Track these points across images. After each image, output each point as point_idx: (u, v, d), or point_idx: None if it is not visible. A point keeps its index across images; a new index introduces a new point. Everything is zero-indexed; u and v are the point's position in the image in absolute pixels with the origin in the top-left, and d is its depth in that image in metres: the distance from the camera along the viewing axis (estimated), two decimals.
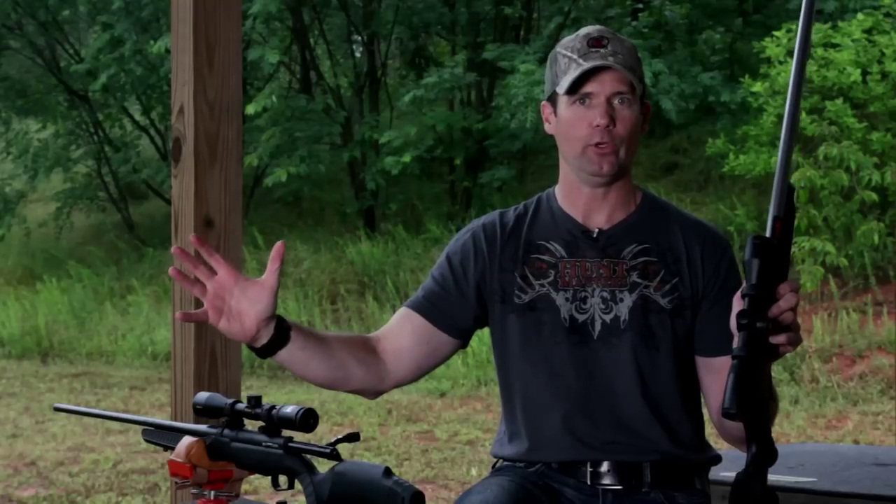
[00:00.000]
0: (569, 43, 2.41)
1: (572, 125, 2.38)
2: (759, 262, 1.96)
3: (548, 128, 2.47)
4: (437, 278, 2.48)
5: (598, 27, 2.43)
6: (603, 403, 2.37)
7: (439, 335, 2.45)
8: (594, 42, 2.37)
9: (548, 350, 2.39)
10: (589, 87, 2.36)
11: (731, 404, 1.91)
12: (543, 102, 2.47)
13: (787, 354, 8.46)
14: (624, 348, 2.37)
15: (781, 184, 2.00)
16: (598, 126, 2.34)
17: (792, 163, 2.03)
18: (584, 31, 2.42)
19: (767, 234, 1.99)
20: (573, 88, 2.36)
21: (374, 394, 2.46)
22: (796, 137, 2.05)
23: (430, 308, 2.45)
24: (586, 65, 2.35)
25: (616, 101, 2.36)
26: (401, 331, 2.45)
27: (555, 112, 2.43)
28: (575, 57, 2.37)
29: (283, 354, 2.28)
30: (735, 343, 1.95)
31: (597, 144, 2.35)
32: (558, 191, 2.50)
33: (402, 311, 2.48)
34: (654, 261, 2.41)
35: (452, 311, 2.45)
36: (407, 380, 2.47)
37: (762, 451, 1.99)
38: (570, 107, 2.38)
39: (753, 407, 1.94)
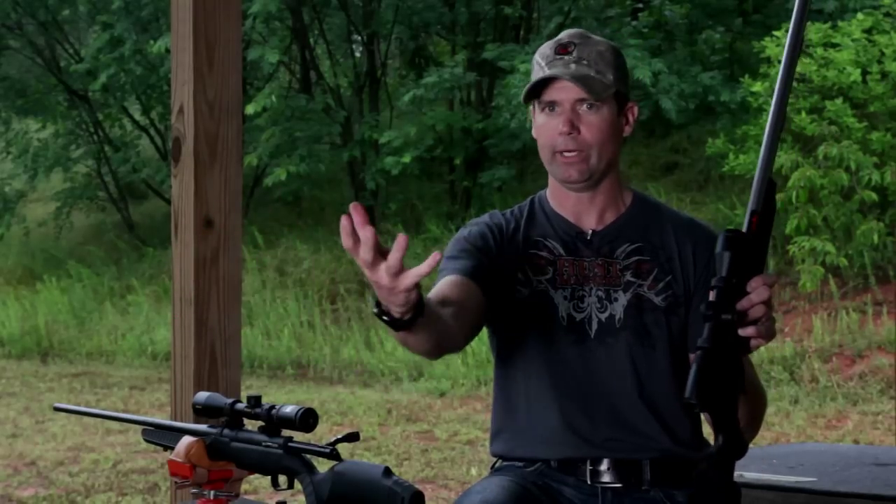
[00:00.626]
0: (543, 49, 2.44)
1: (541, 132, 2.42)
2: (729, 255, 1.97)
3: (533, 132, 2.49)
4: (469, 248, 2.39)
5: (572, 32, 2.44)
6: (601, 401, 2.38)
7: (481, 296, 2.35)
8: (561, 49, 2.40)
9: (546, 348, 2.40)
10: (552, 95, 2.39)
11: (691, 394, 1.91)
12: (530, 107, 2.49)
13: (787, 354, 8.42)
14: (620, 347, 2.38)
15: (761, 179, 2.01)
16: (560, 133, 2.37)
17: (775, 159, 2.05)
18: (559, 36, 2.44)
19: (744, 229, 2.00)
20: (534, 96, 2.40)
21: (440, 354, 2.33)
22: (780, 133, 2.06)
23: (474, 271, 2.35)
24: (546, 73, 2.38)
25: (582, 108, 2.38)
26: (458, 290, 2.31)
27: (534, 117, 2.46)
28: (543, 64, 2.41)
29: (419, 324, 2.15)
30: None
31: (563, 152, 2.38)
32: (549, 194, 2.51)
33: (450, 277, 2.34)
34: (646, 259, 2.42)
35: (491, 277, 2.37)
36: (467, 343, 2.37)
37: (729, 444, 1.99)
38: (541, 114, 2.42)
39: (719, 399, 1.94)
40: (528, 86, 2.40)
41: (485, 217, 2.52)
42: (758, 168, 2.03)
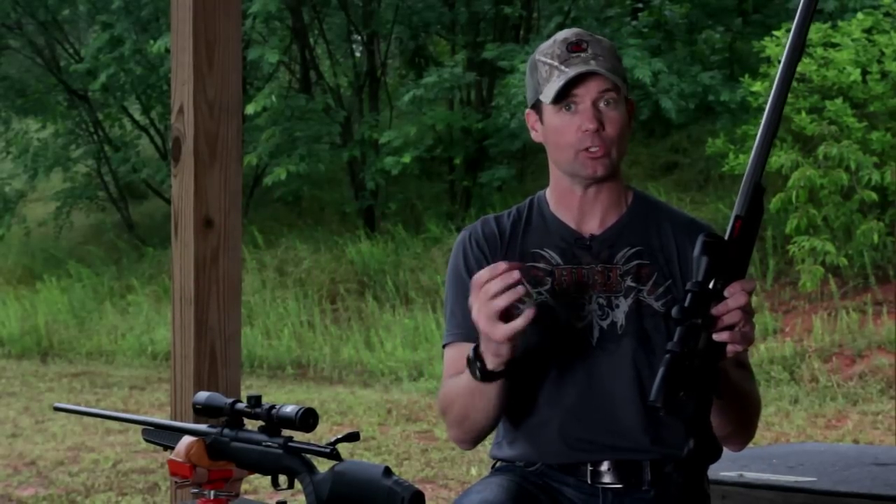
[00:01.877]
0: (547, 49, 2.38)
1: (561, 132, 2.37)
2: (707, 259, 1.95)
3: (534, 136, 2.45)
4: (468, 295, 2.35)
5: (575, 31, 2.41)
6: (601, 410, 2.36)
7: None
8: (574, 47, 2.35)
9: (547, 358, 2.38)
10: (574, 93, 2.34)
11: (656, 397, 1.90)
12: (528, 111, 2.45)
13: (787, 354, 8.39)
14: (623, 354, 2.36)
15: (749, 183, 1.99)
16: (586, 131, 2.33)
17: (766, 164, 2.01)
18: (561, 35, 2.40)
19: (727, 233, 1.98)
20: (559, 97, 2.35)
21: (476, 445, 2.44)
22: (774, 138, 2.04)
23: None
24: (570, 71, 2.33)
25: (602, 104, 2.35)
26: None
27: (540, 120, 2.41)
28: (556, 63, 2.35)
29: (503, 382, 2.25)
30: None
31: (588, 149, 2.34)
32: (550, 196, 2.48)
33: (461, 349, 2.35)
34: (646, 263, 2.40)
35: None
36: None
37: (699, 448, 1.97)
38: (557, 114, 2.36)
39: (689, 403, 1.92)
40: (556, 85, 2.33)
41: (477, 231, 2.47)
42: (746, 172, 2.00)
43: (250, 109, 13.82)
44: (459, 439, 2.41)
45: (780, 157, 10.23)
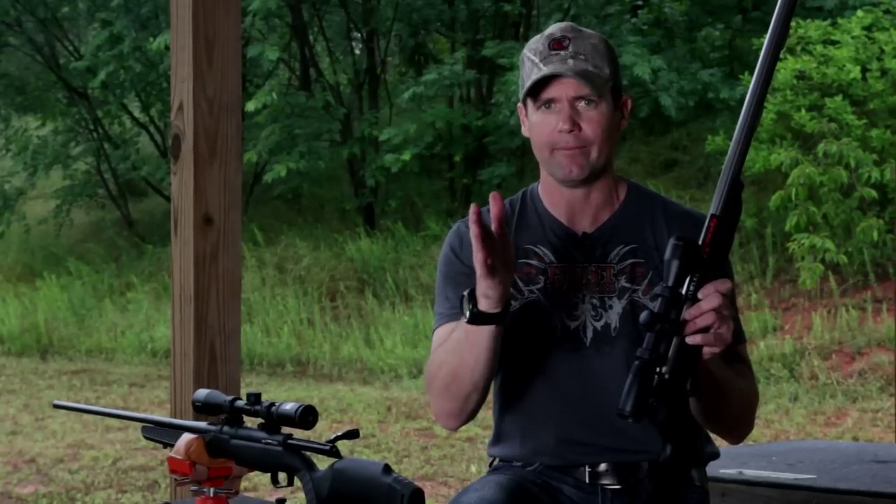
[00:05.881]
0: (533, 44, 2.38)
1: (538, 130, 2.36)
2: (678, 263, 1.90)
3: (524, 130, 2.44)
4: (460, 279, 2.38)
5: (562, 26, 2.39)
6: (598, 411, 2.33)
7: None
8: (555, 44, 2.34)
9: (540, 359, 2.36)
10: (550, 93, 2.33)
11: (624, 406, 1.85)
12: (519, 105, 2.44)
13: (787, 351, 8.37)
14: (616, 355, 2.33)
15: (725, 181, 1.94)
16: (561, 131, 2.32)
17: (745, 160, 1.95)
18: (548, 30, 2.39)
19: (702, 233, 1.93)
20: (534, 94, 2.34)
21: (462, 423, 2.39)
22: (752, 134, 1.99)
23: None
24: (544, 70, 2.32)
25: (580, 104, 2.33)
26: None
27: (527, 115, 2.41)
28: (536, 60, 2.34)
29: (493, 337, 2.22)
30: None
31: (563, 149, 2.33)
32: (541, 190, 2.46)
33: (453, 329, 2.33)
34: (641, 262, 2.38)
35: None
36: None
37: (675, 455, 1.94)
38: (537, 112, 2.36)
39: (662, 410, 1.88)
40: (527, 85, 2.34)
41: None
42: (724, 168, 1.95)
43: (250, 107, 13.81)
44: (444, 411, 2.35)
45: (780, 155, 10.23)
